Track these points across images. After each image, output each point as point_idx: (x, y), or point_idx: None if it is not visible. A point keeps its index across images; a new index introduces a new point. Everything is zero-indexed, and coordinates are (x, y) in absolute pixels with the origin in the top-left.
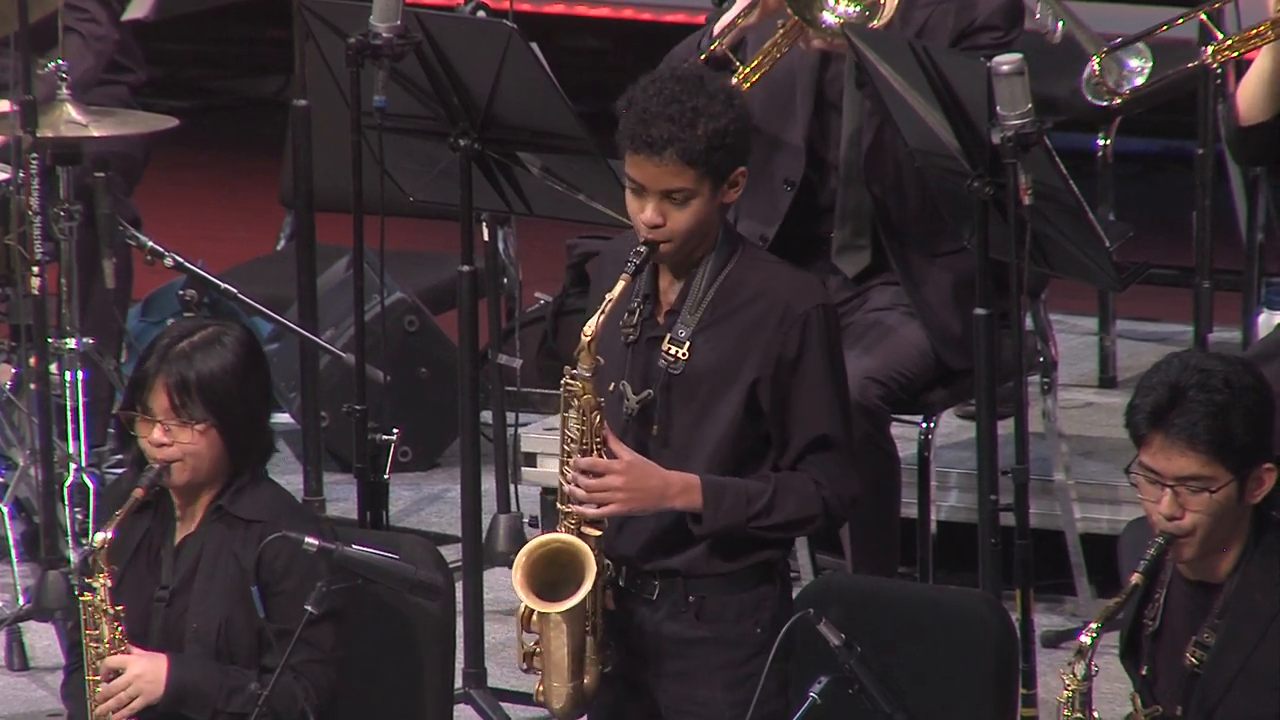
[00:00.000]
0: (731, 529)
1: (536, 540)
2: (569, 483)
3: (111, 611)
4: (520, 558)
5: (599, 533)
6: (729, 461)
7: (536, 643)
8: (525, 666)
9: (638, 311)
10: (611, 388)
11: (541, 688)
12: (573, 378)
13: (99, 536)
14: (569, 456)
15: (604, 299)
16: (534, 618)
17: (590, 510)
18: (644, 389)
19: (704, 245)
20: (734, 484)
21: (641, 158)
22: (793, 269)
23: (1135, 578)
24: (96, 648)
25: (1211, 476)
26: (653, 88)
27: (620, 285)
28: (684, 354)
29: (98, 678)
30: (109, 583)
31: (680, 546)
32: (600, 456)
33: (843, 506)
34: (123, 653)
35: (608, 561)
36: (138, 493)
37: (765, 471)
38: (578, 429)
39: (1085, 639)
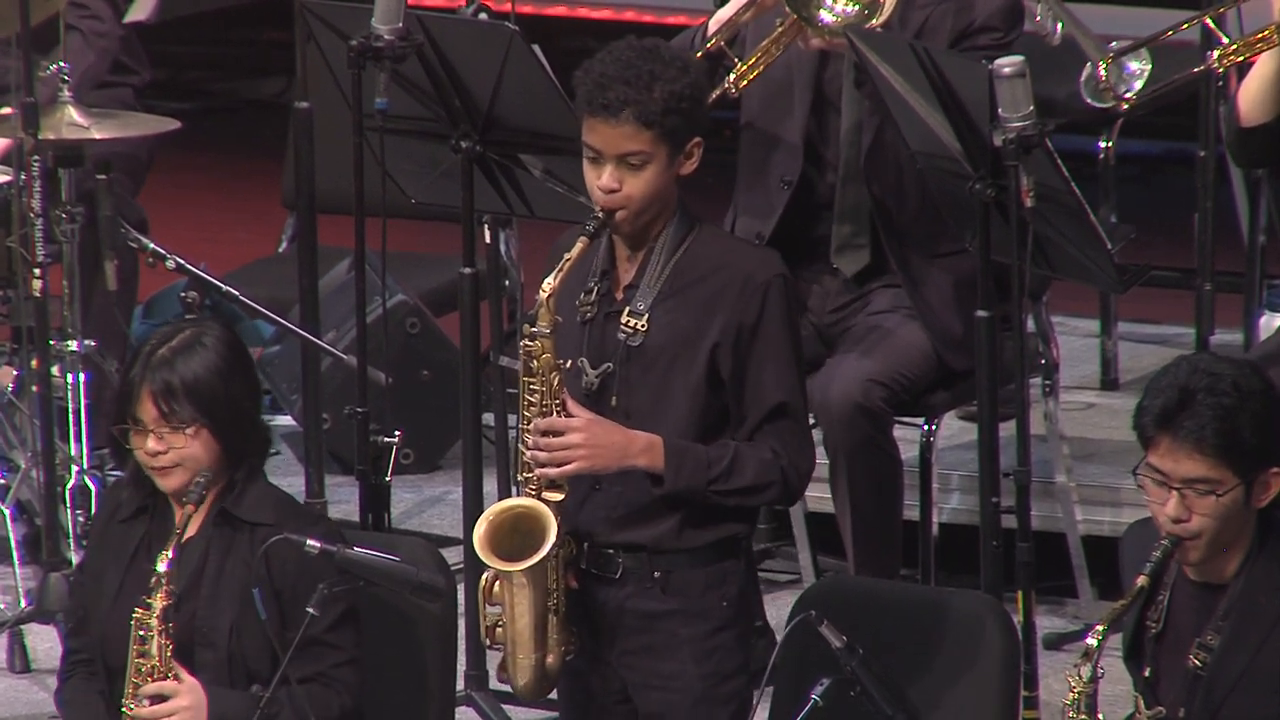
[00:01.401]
0: (691, 492)
1: (498, 505)
2: (529, 447)
3: (162, 627)
4: (482, 521)
5: (561, 496)
6: (689, 434)
7: (500, 615)
8: (488, 642)
9: (595, 289)
10: (569, 364)
11: (504, 664)
12: (531, 337)
13: (163, 555)
14: (528, 422)
15: (562, 258)
16: (496, 588)
17: (552, 470)
18: (602, 365)
19: (661, 219)
20: (695, 447)
21: (598, 120)
22: (752, 244)
23: (1141, 580)
24: (143, 662)
25: (1219, 480)
26: (609, 56)
27: (579, 246)
28: (643, 326)
29: (133, 705)
30: (166, 601)
31: (647, 520)
32: (559, 417)
33: (799, 477)
34: (168, 674)
35: (569, 537)
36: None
37: (724, 440)
38: (537, 391)
39: (1091, 641)
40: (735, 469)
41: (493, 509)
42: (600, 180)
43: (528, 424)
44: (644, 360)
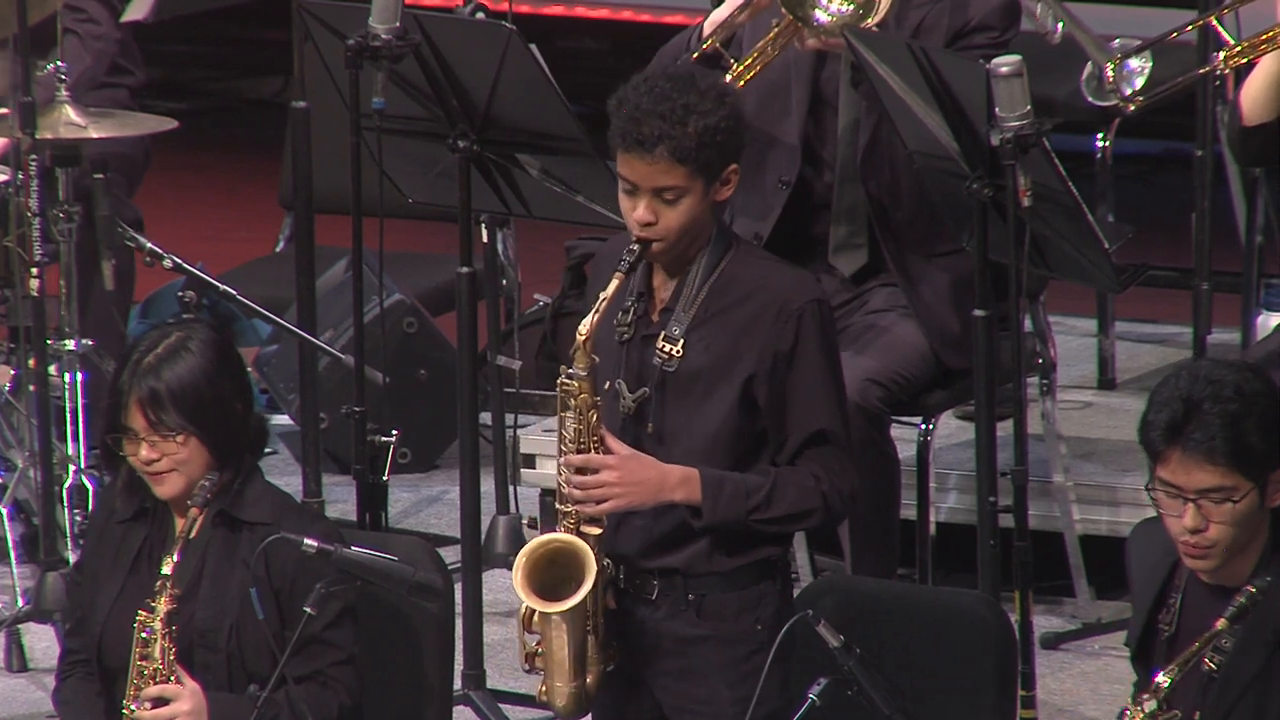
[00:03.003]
0: (731, 522)
1: (536, 540)
2: (567, 483)
3: (166, 630)
4: (520, 558)
5: (599, 531)
6: (725, 459)
7: (538, 643)
8: (528, 667)
9: (631, 310)
10: (606, 386)
11: (544, 688)
12: (569, 377)
13: (167, 558)
14: (563, 457)
15: (598, 298)
16: (535, 618)
17: (590, 508)
18: (639, 387)
19: (697, 243)
20: (733, 477)
21: (633, 156)
22: (787, 266)
23: (1220, 623)
24: (145, 665)
25: (1233, 487)
26: (643, 86)
27: (614, 284)
28: (678, 351)
29: (135, 707)
30: (170, 605)
31: (680, 544)
32: (596, 454)
33: (842, 501)
34: (170, 677)
35: (608, 561)
36: None
37: (764, 466)
38: (575, 428)
39: (1163, 680)
40: (775, 497)
41: (530, 544)
42: (636, 213)
43: (562, 459)
44: (679, 385)
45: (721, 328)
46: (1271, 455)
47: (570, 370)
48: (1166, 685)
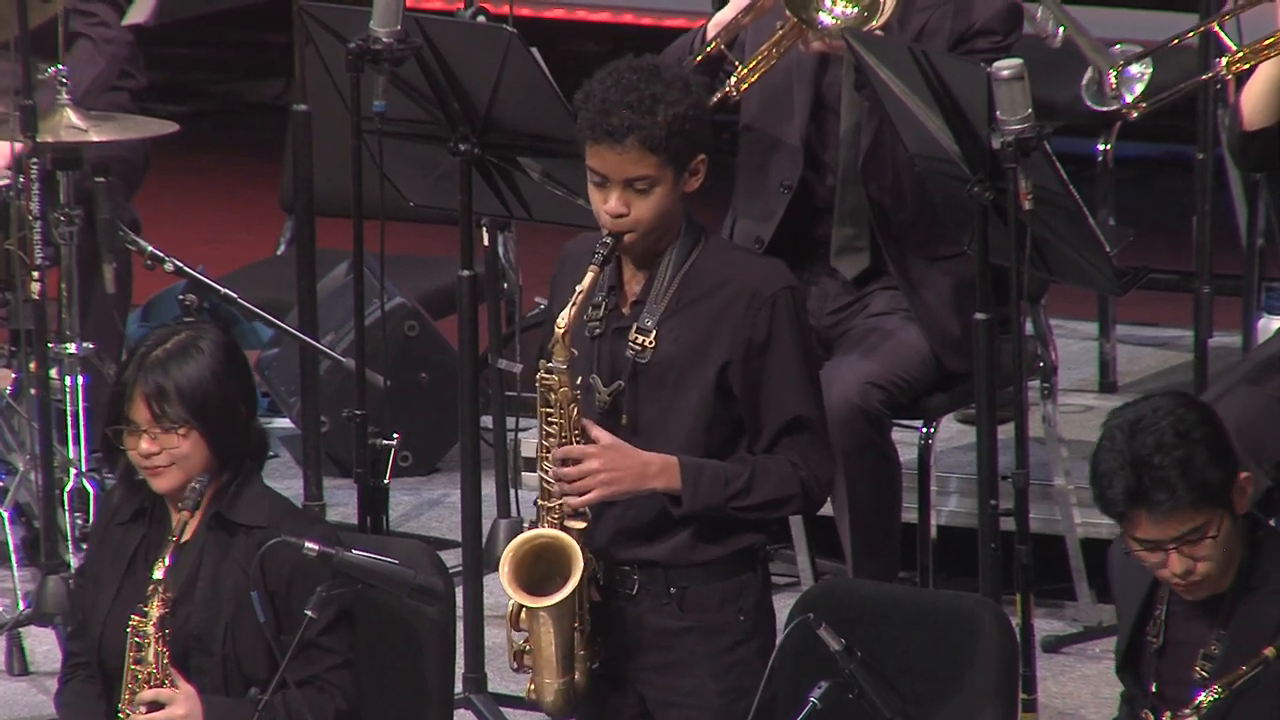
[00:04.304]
0: (710, 509)
1: (522, 537)
2: (550, 477)
3: (159, 634)
4: (506, 554)
5: (583, 525)
6: (701, 449)
7: (526, 640)
8: (516, 666)
9: (603, 305)
10: (580, 381)
11: (533, 686)
12: (548, 371)
13: (159, 562)
14: (547, 451)
15: (573, 291)
16: (522, 615)
17: (573, 500)
18: (613, 381)
19: (668, 236)
20: (712, 464)
21: (603, 147)
22: (758, 256)
23: (1269, 651)
24: (140, 669)
25: (1206, 522)
26: (609, 79)
27: (590, 276)
28: (650, 343)
29: (130, 712)
30: (163, 610)
31: (659, 536)
32: (578, 445)
33: (819, 486)
34: (165, 681)
35: (590, 555)
36: None
37: (742, 455)
38: (556, 423)
39: (1205, 698)
40: (754, 484)
41: (516, 541)
42: (607, 205)
43: (546, 453)
44: (653, 377)
45: (694, 317)
46: (1228, 476)
47: (550, 364)
48: (1208, 705)
